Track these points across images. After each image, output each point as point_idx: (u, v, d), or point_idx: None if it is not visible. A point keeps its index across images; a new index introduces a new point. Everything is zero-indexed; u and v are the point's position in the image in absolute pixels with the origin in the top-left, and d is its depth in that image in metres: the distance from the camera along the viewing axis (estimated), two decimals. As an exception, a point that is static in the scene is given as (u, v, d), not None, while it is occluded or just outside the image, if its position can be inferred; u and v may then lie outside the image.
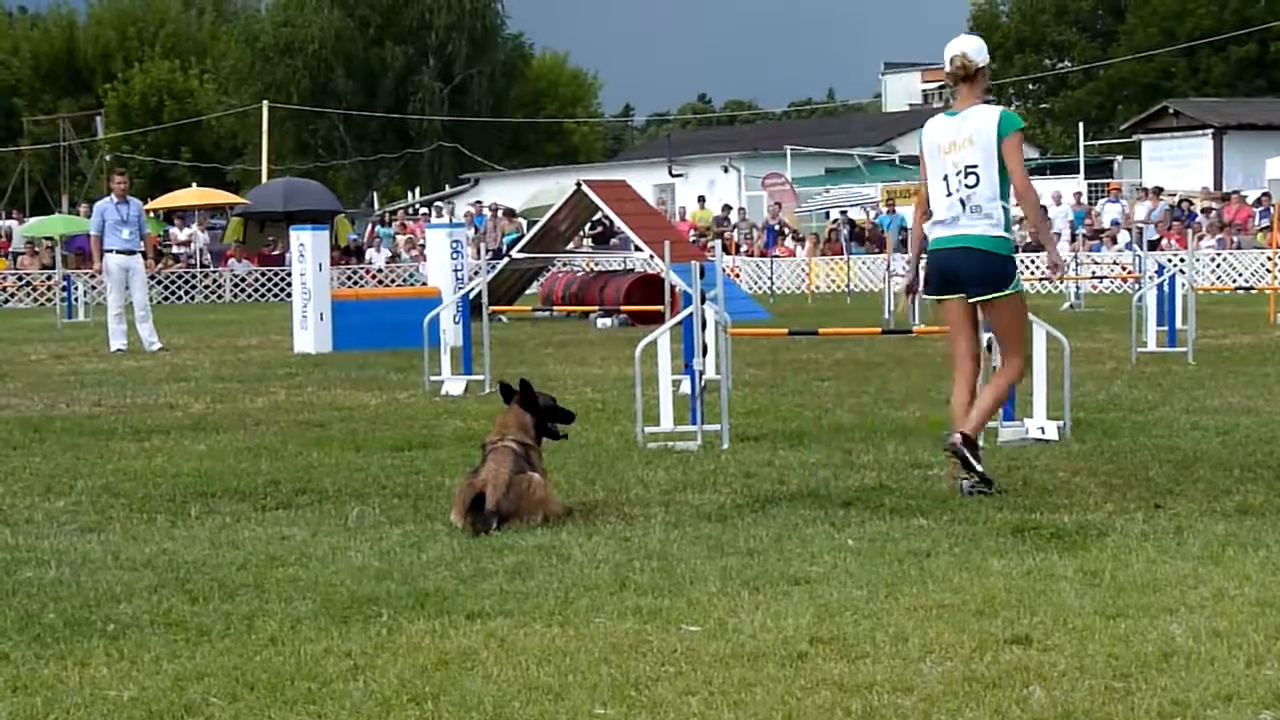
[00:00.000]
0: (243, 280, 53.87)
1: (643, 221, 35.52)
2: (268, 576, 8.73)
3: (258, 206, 60.33)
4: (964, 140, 11.28)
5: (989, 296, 11.38)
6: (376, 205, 75.77)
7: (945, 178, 11.35)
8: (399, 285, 50.22)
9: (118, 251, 27.04)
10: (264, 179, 70.32)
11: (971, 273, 11.32)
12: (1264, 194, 47.60)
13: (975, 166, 11.19)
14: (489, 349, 19.55)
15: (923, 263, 12.02)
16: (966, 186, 11.21)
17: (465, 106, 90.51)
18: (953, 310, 11.61)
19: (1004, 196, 11.18)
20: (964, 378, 11.74)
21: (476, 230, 52.89)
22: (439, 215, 58.47)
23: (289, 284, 34.61)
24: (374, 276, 53.83)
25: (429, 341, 19.50)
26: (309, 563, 9.09)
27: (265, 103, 76.94)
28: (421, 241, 51.95)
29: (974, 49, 11.50)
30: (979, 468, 11.00)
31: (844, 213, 58.03)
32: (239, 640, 7.41)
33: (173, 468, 12.91)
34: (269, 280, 53.51)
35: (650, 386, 14.27)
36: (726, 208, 60.61)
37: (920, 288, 12.79)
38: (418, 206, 66.21)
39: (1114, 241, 47.77)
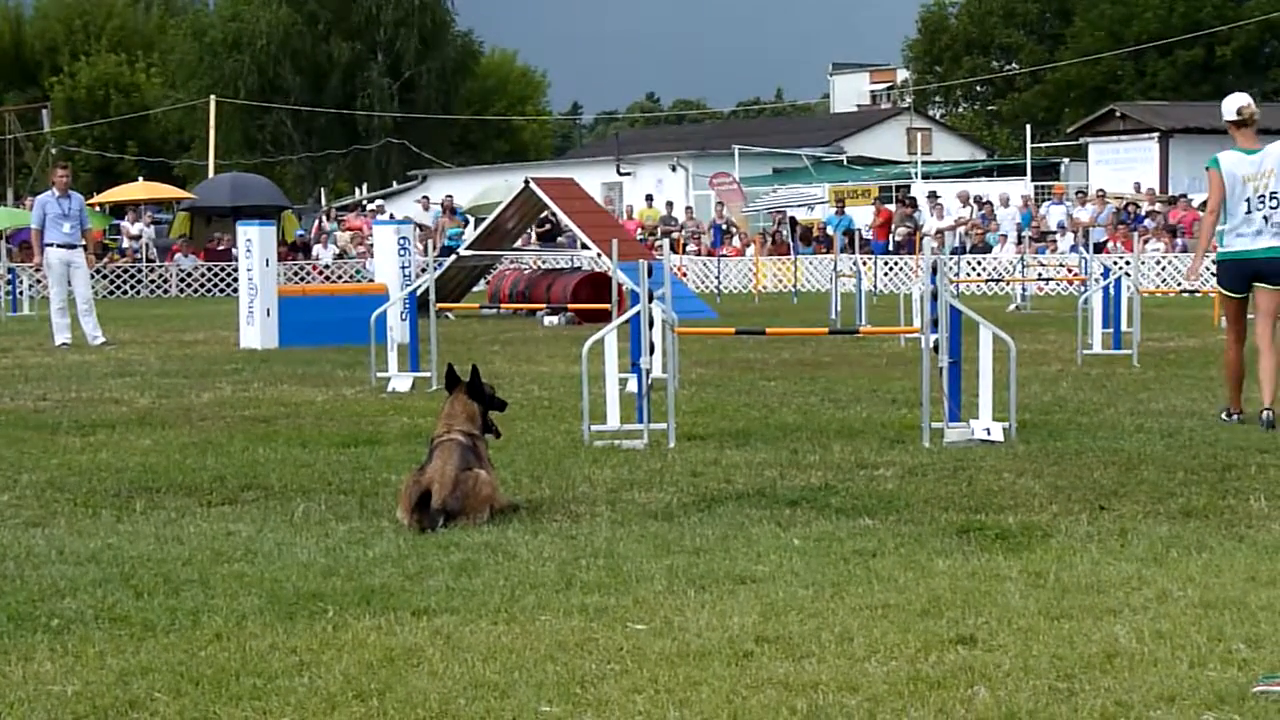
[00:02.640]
0: (189, 275, 53.66)
1: (590, 220, 35.51)
2: (213, 572, 8.71)
3: (204, 201, 60.12)
4: (1267, 172, 14.67)
5: None
6: (324, 201, 75.54)
7: (1248, 200, 14.71)
8: (346, 281, 50.11)
9: (59, 245, 26.89)
10: (211, 174, 70.11)
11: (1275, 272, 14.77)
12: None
13: (1277, 193, 14.67)
14: (436, 346, 19.53)
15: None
16: (1271, 208, 14.66)
17: (414, 103, 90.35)
18: (1266, 298, 14.90)
19: None
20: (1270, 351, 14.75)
21: (424, 229, 52.77)
22: (426, 207, 58.07)
23: (236, 279, 34.50)
24: (321, 272, 53.68)
25: (376, 338, 19.47)
26: (254, 558, 9.07)
27: (213, 97, 76.67)
28: (369, 238, 51.83)
29: (1251, 101, 15.16)
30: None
31: (789, 214, 58.10)
32: (184, 636, 7.39)
33: (118, 462, 12.86)
34: (216, 275, 53.33)
35: (597, 385, 14.27)
36: (670, 205, 60.63)
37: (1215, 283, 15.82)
38: (363, 203, 66.01)
39: (1060, 243, 47.97)
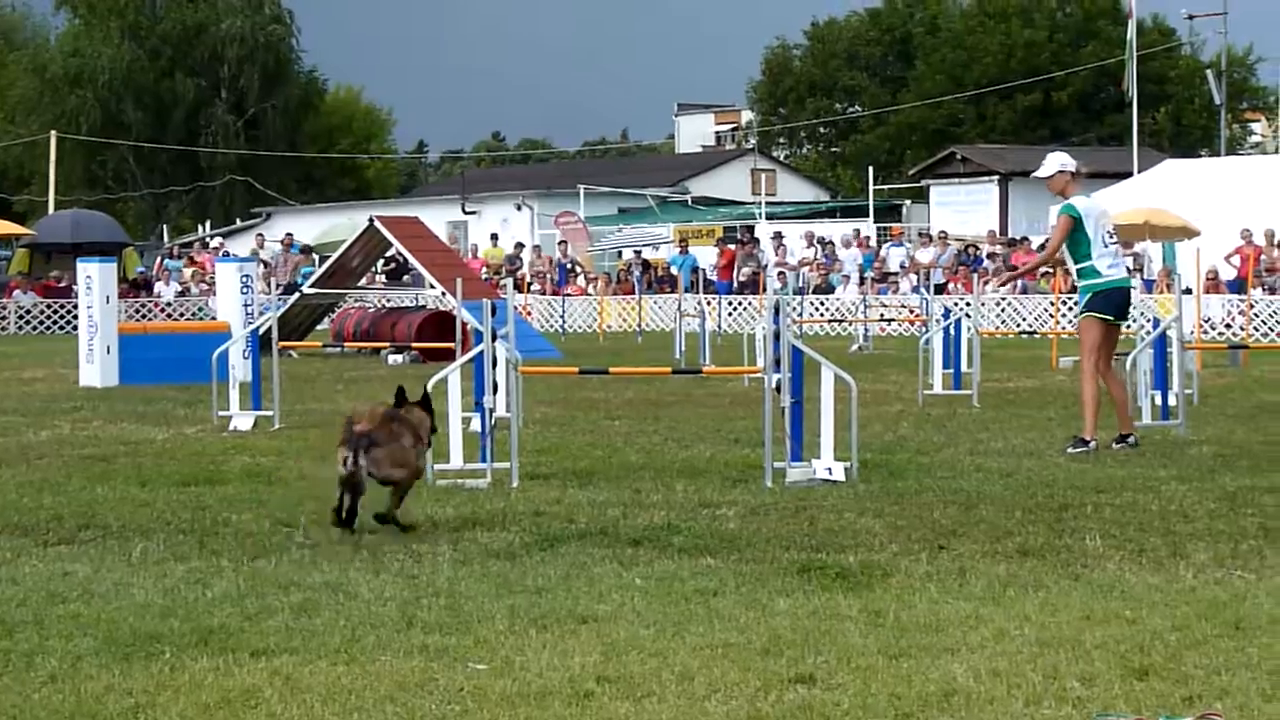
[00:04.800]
0: (28, 312, 52.91)
1: (435, 258, 35.41)
2: (48, 613, 8.58)
3: (45, 238, 59.33)
4: (1106, 214, 16.23)
5: None
6: (166, 238, 74.80)
7: (1104, 236, 16.00)
8: (188, 319, 49.63)
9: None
10: (51, 210, 69.20)
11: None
12: (1047, 240, 48.50)
13: (1114, 233, 16.18)
14: (278, 384, 19.38)
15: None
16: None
17: (258, 140, 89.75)
18: (1115, 333, 16.22)
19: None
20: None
21: (267, 266, 52.38)
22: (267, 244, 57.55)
23: (75, 316, 34.07)
24: (163, 310, 53.11)
25: (218, 376, 19.29)
26: (91, 599, 8.95)
27: (54, 133, 75.77)
28: (211, 276, 51.35)
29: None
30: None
31: (638, 252, 58.25)
32: (18, 678, 7.28)
33: (-49, 502, 12.65)
34: (55, 312, 52.61)
35: (441, 424, 14.21)
36: (519, 246, 60.63)
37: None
38: (206, 239, 65.47)
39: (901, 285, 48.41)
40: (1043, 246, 47.20)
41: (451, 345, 20.93)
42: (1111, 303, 16.05)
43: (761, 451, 13.91)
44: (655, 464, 14.92)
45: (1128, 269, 16.74)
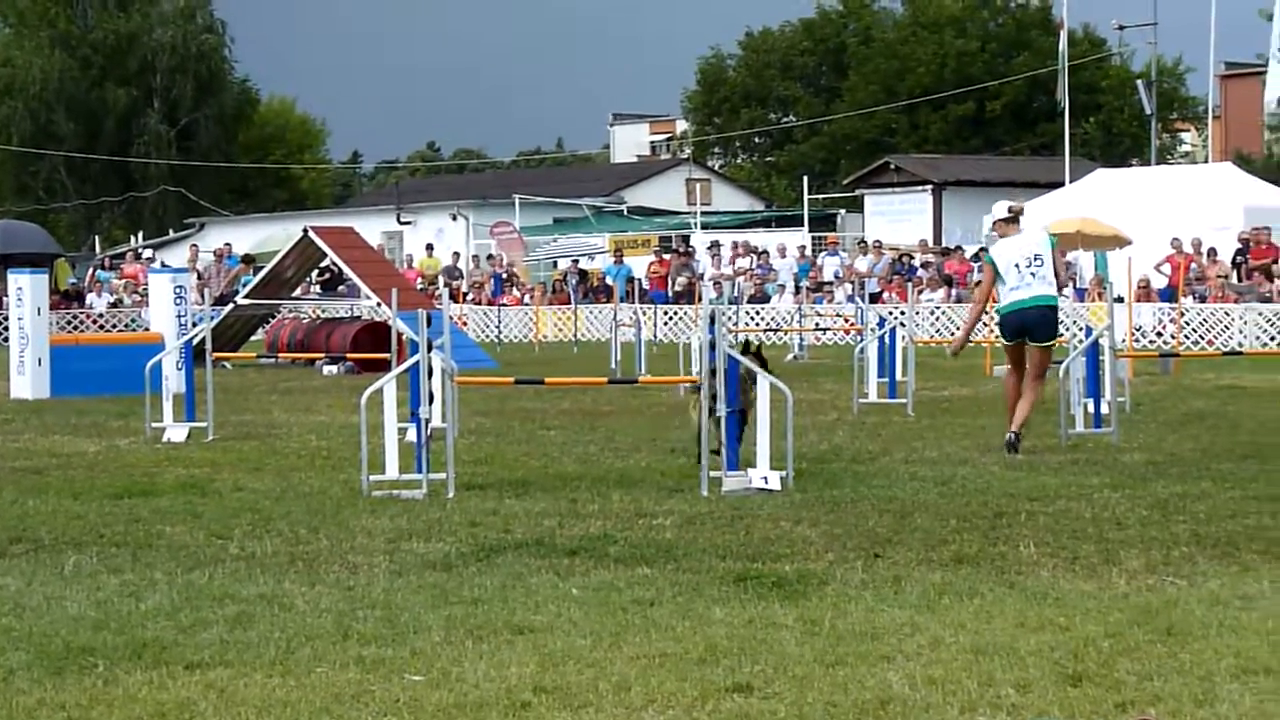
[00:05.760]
0: (-43, 324, 52.49)
1: (370, 269, 35.33)
2: (-20, 627, 8.52)
3: (-25, 249, 58.88)
4: (1031, 244, 17.35)
5: None
6: (99, 249, 74.37)
7: (1018, 269, 17.13)
8: (121, 330, 49.35)
9: None
10: (-19, 221, 68.73)
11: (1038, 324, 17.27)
12: (981, 248, 48.54)
13: (1040, 255, 17.24)
14: (212, 396, 19.31)
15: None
16: (1037, 267, 17.16)
17: (191, 150, 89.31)
18: (1034, 355, 17.23)
19: None
20: None
21: (201, 276, 52.13)
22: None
23: (6, 328, 33.87)
24: (95, 321, 52.81)
25: (151, 388, 19.20)
26: (23, 613, 8.89)
27: (-17, 144, 75.29)
28: (144, 287, 51.09)
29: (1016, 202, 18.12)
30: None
31: (574, 262, 58.22)
32: (-51, 693, 7.22)
33: (-118, 516, 12.56)
34: (-14, 324, 52.22)
35: (376, 434, 14.18)
36: (456, 256, 60.53)
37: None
38: (139, 250, 65.07)
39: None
40: (976, 255, 47.34)
41: (387, 356, 20.92)
42: (1006, 327, 17.25)
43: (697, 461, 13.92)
44: (591, 474, 14.93)
45: (1051, 284, 17.29)
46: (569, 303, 51.29)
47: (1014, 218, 17.75)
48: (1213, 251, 42.75)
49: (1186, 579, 9.75)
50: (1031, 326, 17.07)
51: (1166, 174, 55.61)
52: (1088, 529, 11.57)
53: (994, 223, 18.08)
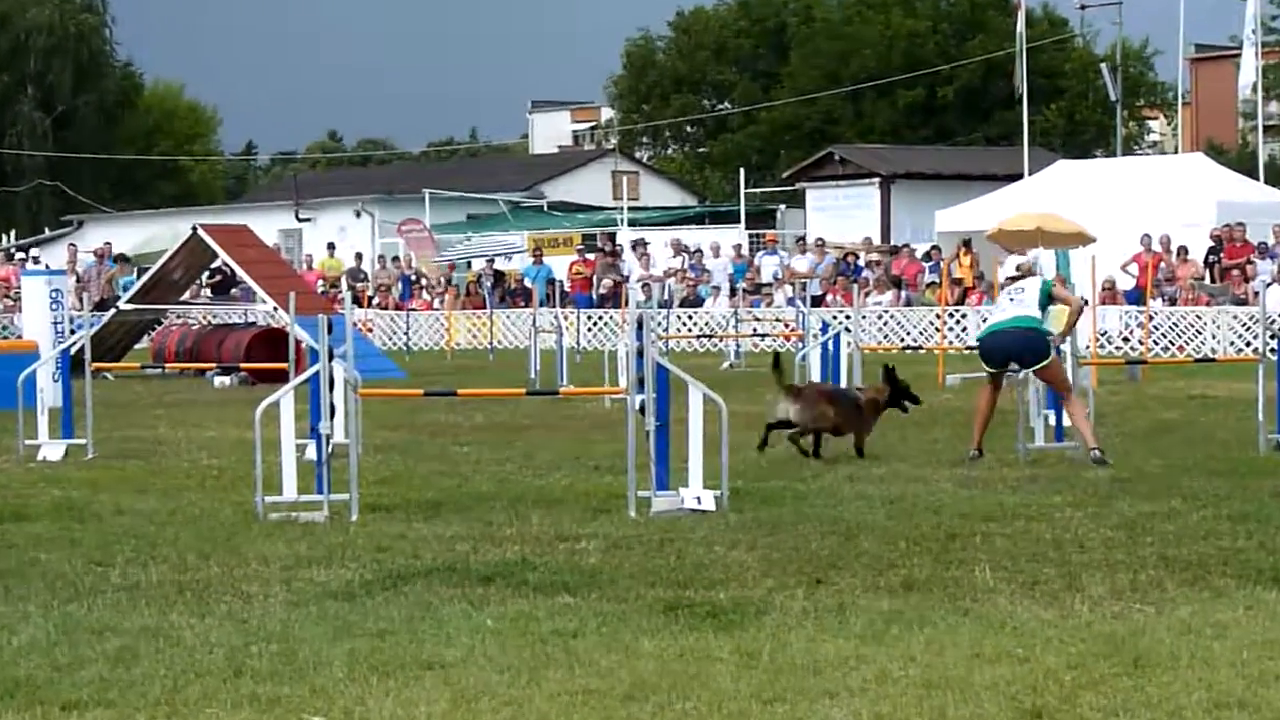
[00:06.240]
0: None
1: (266, 270, 35.23)
2: None
3: None
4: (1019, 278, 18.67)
5: None
6: (-33, 249, 73.93)
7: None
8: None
9: None
10: None
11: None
12: (934, 247, 48.73)
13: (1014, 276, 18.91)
14: (91, 410, 19.20)
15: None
16: (1019, 292, 18.05)
17: (69, 141, 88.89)
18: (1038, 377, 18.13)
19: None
20: None
21: (80, 279, 51.89)
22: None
23: None
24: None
25: (24, 401, 19.08)
26: (-117, 650, 8.83)
27: None
28: (16, 290, 50.80)
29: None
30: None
31: (490, 262, 58.18)
32: None
33: None
34: None
35: (272, 452, 14.13)
36: (359, 256, 60.41)
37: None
38: (11, 250, 64.72)
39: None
40: (928, 255, 47.51)
41: (284, 366, 20.85)
42: (986, 354, 18.02)
43: (624, 479, 13.93)
44: (508, 494, 14.92)
45: (1031, 308, 17.90)
46: (484, 307, 51.23)
47: (1022, 275, 18.76)
48: (1183, 250, 42.99)
49: (1154, 606, 9.81)
50: (1010, 348, 17.67)
51: (1133, 165, 56.02)
52: (1048, 551, 11.64)
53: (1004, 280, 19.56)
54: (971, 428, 17.95)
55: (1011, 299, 17.94)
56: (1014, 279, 18.75)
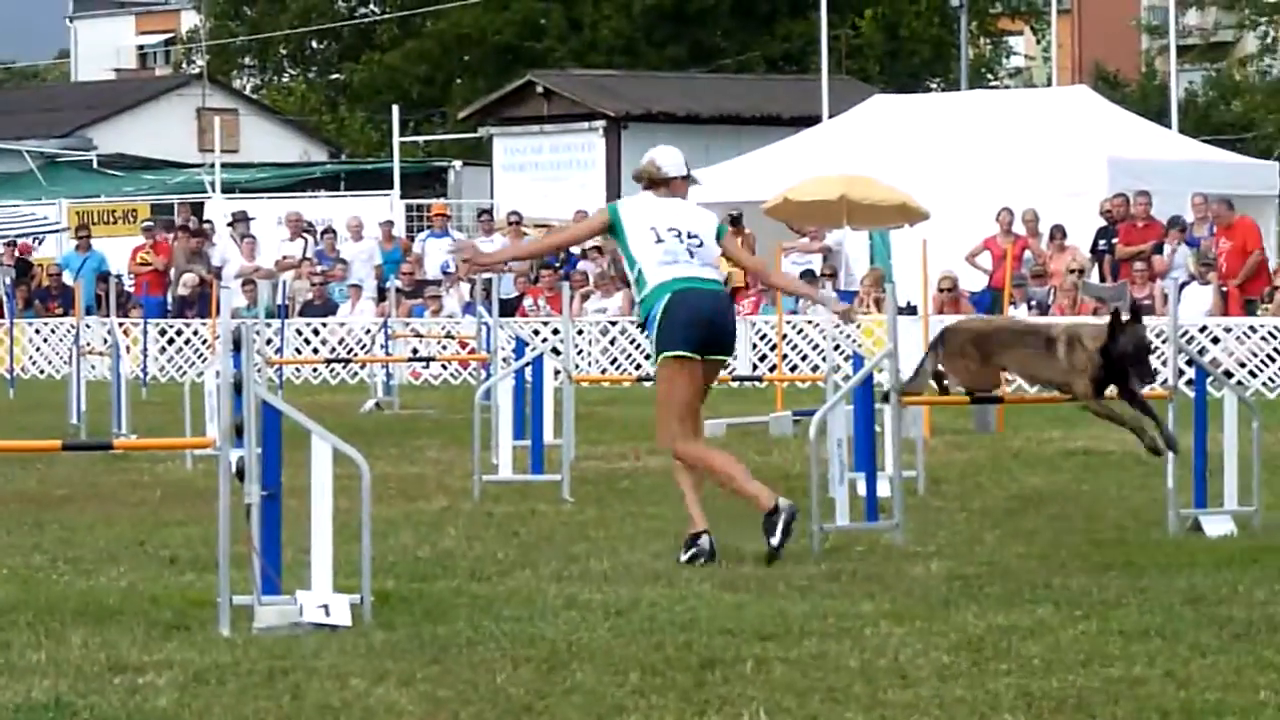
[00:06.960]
0: None
1: None
2: None
3: None
4: None
5: None
6: None
7: None
8: None
9: None
10: None
11: None
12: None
13: None
14: None
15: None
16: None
17: None
18: None
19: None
20: None
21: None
22: None
23: None
24: None
25: None
26: None
27: None
28: None
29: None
30: None
31: (11, 245, 57.73)
32: None
33: None
34: None
35: None
36: None
37: None
38: None
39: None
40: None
41: None
42: (677, 320, 17.07)
43: (214, 579, 13.89)
44: (35, 601, 14.82)
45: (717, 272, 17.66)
46: (1, 315, 50.87)
47: (686, 178, 17.84)
48: (1059, 231, 43.28)
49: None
50: (712, 318, 17.23)
51: (985, 104, 56.45)
52: (853, 686, 11.73)
53: (650, 170, 17.79)
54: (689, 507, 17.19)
55: (691, 251, 17.21)
56: (671, 181, 17.71)
